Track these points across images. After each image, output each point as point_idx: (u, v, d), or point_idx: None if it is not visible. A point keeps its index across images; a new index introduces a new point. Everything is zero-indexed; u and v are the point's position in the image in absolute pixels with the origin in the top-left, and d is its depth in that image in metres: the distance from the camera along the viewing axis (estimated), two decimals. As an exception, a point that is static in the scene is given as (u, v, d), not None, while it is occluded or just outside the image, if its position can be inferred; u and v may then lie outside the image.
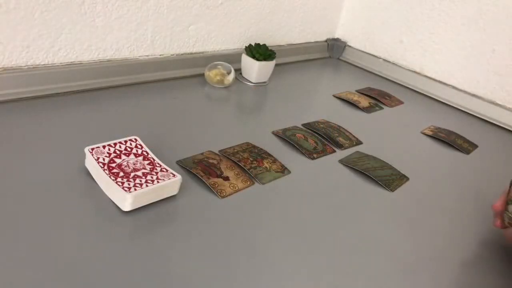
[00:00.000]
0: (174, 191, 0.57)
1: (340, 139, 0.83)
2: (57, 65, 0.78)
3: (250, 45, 1.02)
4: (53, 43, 0.76)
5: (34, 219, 0.49)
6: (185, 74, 0.99)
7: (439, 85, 1.19)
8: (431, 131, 0.96)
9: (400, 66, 1.27)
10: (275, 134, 0.81)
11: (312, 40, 1.35)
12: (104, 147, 0.59)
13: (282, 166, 0.70)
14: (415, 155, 0.85)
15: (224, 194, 0.60)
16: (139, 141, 0.62)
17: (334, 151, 0.79)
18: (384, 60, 1.31)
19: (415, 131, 0.96)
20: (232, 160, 0.67)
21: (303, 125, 0.86)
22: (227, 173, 0.64)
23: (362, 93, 1.12)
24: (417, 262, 0.56)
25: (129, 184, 0.54)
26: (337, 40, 1.42)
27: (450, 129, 0.99)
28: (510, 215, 0.56)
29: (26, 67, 0.75)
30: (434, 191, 0.73)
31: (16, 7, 0.70)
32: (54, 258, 0.45)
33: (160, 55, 0.95)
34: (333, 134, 0.84)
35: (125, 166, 0.58)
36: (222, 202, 0.59)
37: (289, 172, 0.69)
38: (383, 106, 1.07)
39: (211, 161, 0.66)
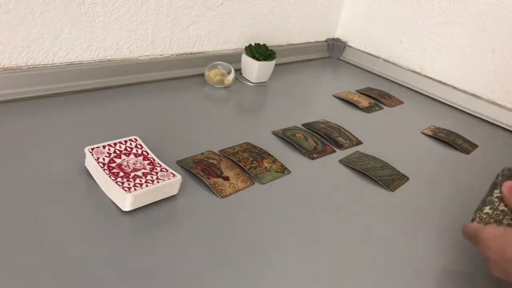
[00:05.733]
0: (174, 191, 0.57)
1: (340, 139, 0.83)
2: (57, 65, 0.78)
3: (250, 45, 1.02)
4: (53, 43, 0.76)
5: (34, 219, 0.49)
6: (185, 74, 0.99)
7: (439, 85, 1.19)
8: (431, 131, 0.96)
9: (400, 66, 1.27)
10: (275, 134, 0.81)
11: (312, 40, 1.35)
12: (104, 147, 0.59)
13: (282, 166, 0.70)
14: (415, 155, 0.85)
15: (224, 194, 0.60)
16: (139, 141, 0.62)
17: (334, 151, 0.79)
18: (384, 60, 1.31)
19: (415, 131, 0.96)
20: (232, 160, 0.67)
21: (303, 125, 0.86)
22: (227, 173, 0.64)
23: (362, 93, 1.12)
24: (417, 262, 0.56)
25: (129, 184, 0.54)
26: (337, 40, 1.42)
27: (450, 129, 0.99)
28: (483, 216, 0.53)
29: (26, 67, 0.75)
30: (434, 191, 0.73)
31: (16, 7, 0.70)
32: (54, 258, 0.45)
33: (160, 55, 0.95)
34: (333, 134, 0.84)
35: (125, 166, 0.58)
36: (222, 202, 0.59)
37: (289, 172, 0.69)
38: (383, 106, 1.07)
39: (211, 161, 0.66)
